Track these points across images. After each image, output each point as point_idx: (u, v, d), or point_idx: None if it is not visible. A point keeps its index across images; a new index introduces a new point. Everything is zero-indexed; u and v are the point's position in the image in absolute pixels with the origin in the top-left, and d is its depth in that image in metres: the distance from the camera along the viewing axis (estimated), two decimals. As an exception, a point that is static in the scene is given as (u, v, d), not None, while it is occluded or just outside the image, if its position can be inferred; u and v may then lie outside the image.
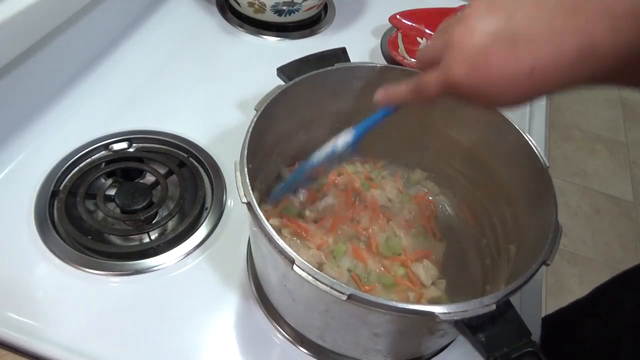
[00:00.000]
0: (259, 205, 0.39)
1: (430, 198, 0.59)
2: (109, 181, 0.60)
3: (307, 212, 0.53)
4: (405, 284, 0.49)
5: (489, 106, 0.37)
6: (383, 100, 0.43)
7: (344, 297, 0.34)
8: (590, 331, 0.62)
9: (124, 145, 0.63)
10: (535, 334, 0.57)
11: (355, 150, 0.46)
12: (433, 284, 0.50)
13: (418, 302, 0.48)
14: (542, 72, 0.32)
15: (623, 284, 0.62)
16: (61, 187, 0.57)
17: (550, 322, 0.62)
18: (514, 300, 0.38)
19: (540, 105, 0.80)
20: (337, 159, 0.47)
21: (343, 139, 0.46)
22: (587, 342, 0.61)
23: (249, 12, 0.83)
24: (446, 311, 0.34)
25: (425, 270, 0.50)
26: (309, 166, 0.48)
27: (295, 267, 0.36)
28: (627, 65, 0.31)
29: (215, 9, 0.88)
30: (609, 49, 0.31)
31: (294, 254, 0.36)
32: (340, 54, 0.56)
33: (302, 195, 0.54)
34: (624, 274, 0.63)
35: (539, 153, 0.46)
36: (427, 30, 0.85)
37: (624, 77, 0.33)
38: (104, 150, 0.62)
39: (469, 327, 0.36)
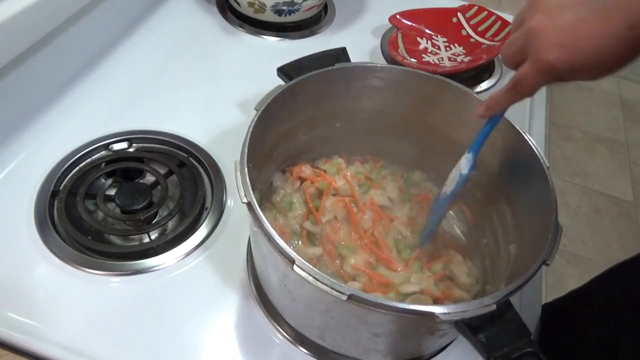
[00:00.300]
0: (259, 205, 0.39)
1: (431, 197, 0.59)
2: (109, 181, 0.60)
3: (309, 225, 0.53)
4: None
5: (592, 78, 0.36)
6: (486, 112, 0.44)
7: (344, 297, 0.34)
8: (585, 322, 0.62)
9: (124, 145, 0.63)
10: (535, 333, 0.57)
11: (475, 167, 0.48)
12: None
13: (442, 301, 0.48)
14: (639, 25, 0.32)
15: (623, 273, 0.63)
16: (61, 187, 0.57)
17: (549, 310, 0.62)
18: (514, 300, 0.38)
19: (540, 105, 0.80)
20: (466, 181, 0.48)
21: (466, 164, 0.47)
22: (584, 334, 0.61)
23: (249, 12, 0.83)
24: (446, 311, 0.34)
25: (467, 272, 0.50)
26: (448, 200, 0.49)
27: (295, 267, 0.36)
28: None
29: (215, 9, 0.88)
30: None
31: (294, 253, 0.36)
32: (340, 54, 0.56)
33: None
34: (619, 266, 0.63)
35: (539, 153, 0.46)
36: (427, 30, 0.85)
37: None
38: (104, 150, 0.62)
39: (469, 327, 0.36)
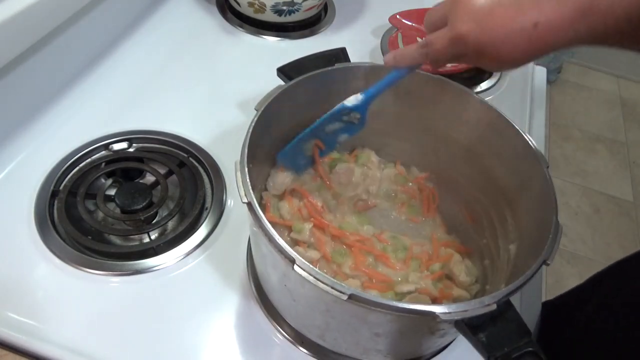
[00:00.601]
0: (260, 205, 0.39)
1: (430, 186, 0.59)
2: (109, 181, 0.60)
3: (296, 235, 0.52)
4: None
5: (494, 66, 0.38)
6: (393, 62, 0.44)
7: (345, 297, 0.34)
8: (587, 319, 0.62)
9: (124, 145, 0.63)
10: (535, 331, 0.57)
11: (364, 121, 0.47)
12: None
13: (440, 301, 0.48)
14: (544, 27, 0.34)
15: (620, 272, 0.63)
16: (61, 187, 0.57)
17: (551, 306, 0.62)
18: (514, 300, 0.38)
19: (540, 105, 0.80)
20: (347, 127, 0.48)
21: (353, 100, 0.46)
22: (586, 330, 0.61)
23: (249, 12, 0.83)
24: (446, 311, 0.34)
25: (466, 271, 0.50)
26: (317, 123, 0.49)
27: (295, 266, 0.36)
28: (628, 27, 0.33)
29: (215, 9, 0.88)
30: (608, 8, 0.32)
31: (295, 253, 0.36)
32: (340, 54, 0.56)
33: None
34: (620, 263, 0.64)
35: (539, 153, 0.46)
36: (427, 30, 0.85)
37: (625, 40, 0.35)
38: (104, 150, 0.62)
39: (470, 326, 0.36)
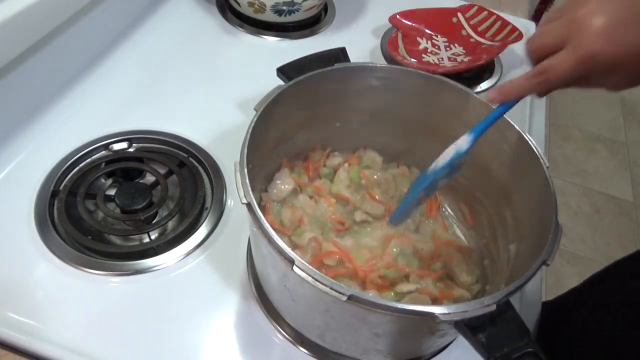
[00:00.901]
0: (259, 205, 0.39)
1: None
2: (109, 181, 0.60)
3: (296, 239, 0.52)
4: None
5: (624, 81, 0.36)
6: (500, 98, 0.41)
7: (344, 298, 0.34)
8: (584, 319, 0.62)
9: (124, 145, 0.63)
10: (534, 330, 0.57)
11: (468, 154, 0.44)
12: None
13: (440, 301, 0.48)
14: None
15: (619, 272, 0.63)
16: (61, 187, 0.57)
17: (551, 306, 0.62)
18: (514, 300, 0.38)
19: (540, 105, 0.80)
20: (449, 172, 0.45)
21: (463, 143, 0.43)
22: (583, 329, 0.62)
23: (249, 12, 0.83)
24: (446, 312, 0.34)
25: (467, 271, 0.50)
26: (434, 174, 0.45)
27: (295, 267, 0.36)
28: None
29: (215, 9, 0.88)
30: None
31: (294, 254, 0.36)
32: (340, 54, 0.56)
33: None
34: (619, 263, 0.64)
35: (539, 153, 0.46)
36: (427, 30, 0.85)
37: None
38: (104, 150, 0.62)
39: (469, 327, 0.36)
